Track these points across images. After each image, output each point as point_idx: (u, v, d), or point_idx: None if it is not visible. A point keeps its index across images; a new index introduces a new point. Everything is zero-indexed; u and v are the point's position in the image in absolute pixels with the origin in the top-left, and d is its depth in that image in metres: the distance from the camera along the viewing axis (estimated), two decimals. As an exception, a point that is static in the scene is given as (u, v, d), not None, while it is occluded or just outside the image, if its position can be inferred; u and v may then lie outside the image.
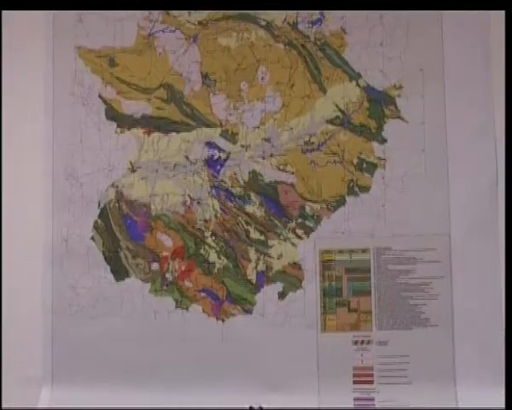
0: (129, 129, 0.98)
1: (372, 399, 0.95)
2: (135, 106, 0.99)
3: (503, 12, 0.92)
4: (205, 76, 0.98)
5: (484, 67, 0.95)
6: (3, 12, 0.99)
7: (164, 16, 0.99)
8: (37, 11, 0.99)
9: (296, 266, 0.96)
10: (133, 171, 0.98)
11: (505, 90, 0.92)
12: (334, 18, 0.97)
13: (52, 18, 1.00)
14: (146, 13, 0.99)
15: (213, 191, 0.97)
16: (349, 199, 0.96)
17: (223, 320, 0.97)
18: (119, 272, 0.98)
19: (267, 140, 0.97)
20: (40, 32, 1.00)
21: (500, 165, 0.94)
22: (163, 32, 0.99)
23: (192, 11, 0.98)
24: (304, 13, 0.97)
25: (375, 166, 0.96)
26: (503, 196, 0.93)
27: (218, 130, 0.98)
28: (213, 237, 0.97)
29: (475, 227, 0.94)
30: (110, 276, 0.98)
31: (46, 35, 1.00)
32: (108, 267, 0.98)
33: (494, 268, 0.93)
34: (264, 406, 0.94)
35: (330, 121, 0.97)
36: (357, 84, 0.97)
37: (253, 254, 0.96)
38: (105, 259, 0.98)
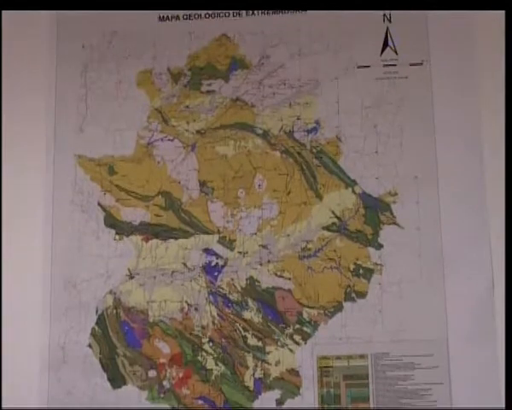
0: (127, 236, 1.04)
1: None
2: (133, 213, 1.04)
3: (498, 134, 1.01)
4: (202, 184, 1.04)
5: (478, 172, 1.01)
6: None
7: (162, 126, 1.06)
8: (38, 120, 1.06)
9: (294, 372, 1.00)
10: (131, 277, 1.03)
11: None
12: (330, 126, 1.04)
13: (54, 126, 1.06)
14: (145, 123, 1.06)
15: (211, 297, 1.02)
16: (346, 305, 1.01)
17: (220, 428, 1.00)
18: (116, 380, 1.01)
19: (264, 247, 1.02)
20: (41, 142, 1.06)
21: (496, 269, 0.99)
22: (162, 140, 1.06)
23: (190, 121, 1.05)
24: (300, 121, 1.04)
25: (371, 271, 1.01)
26: (500, 300, 0.98)
27: (216, 237, 1.03)
28: (211, 344, 1.01)
29: (473, 332, 0.98)
30: (107, 383, 1.01)
31: (47, 144, 1.06)
32: (105, 375, 1.01)
33: (493, 373, 0.97)
34: None
35: (327, 228, 1.02)
36: (353, 191, 1.03)
37: (250, 361, 1.00)
38: (102, 366, 1.02)
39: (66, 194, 1.05)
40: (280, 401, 1.00)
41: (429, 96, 1.04)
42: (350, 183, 1.03)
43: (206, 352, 1.01)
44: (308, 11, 1.06)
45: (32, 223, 1.05)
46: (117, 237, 1.04)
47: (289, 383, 1.00)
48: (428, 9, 1.05)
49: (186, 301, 1.02)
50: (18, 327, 1.03)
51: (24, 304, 1.03)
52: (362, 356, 1.00)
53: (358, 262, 1.01)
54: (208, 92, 1.06)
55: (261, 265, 1.02)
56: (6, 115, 1.07)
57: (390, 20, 1.06)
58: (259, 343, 1.01)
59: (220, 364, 1.01)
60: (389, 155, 1.03)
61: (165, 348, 1.02)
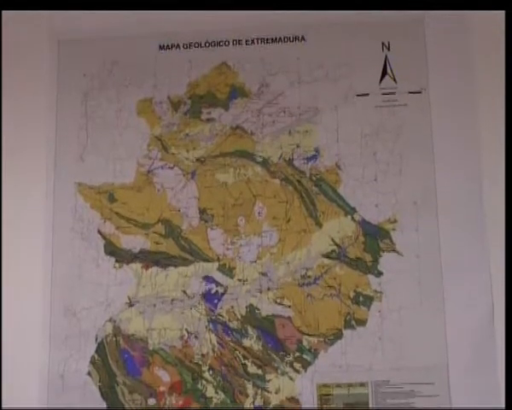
0: (127, 264, 1.05)
1: None
2: (133, 241, 1.05)
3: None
4: (202, 211, 1.05)
5: (478, 199, 1.03)
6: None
7: (162, 154, 1.07)
8: (39, 149, 1.08)
9: (294, 400, 1.01)
10: (131, 305, 1.04)
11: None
12: (329, 154, 1.05)
13: (54, 154, 1.08)
14: (145, 151, 1.07)
15: (211, 325, 1.03)
16: (346, 332, 1.01)
17: (219, 456, 1.00)
18: (116, 408, 1.02)
19: (264, 274, 1.03)
20: (41, 170, 1.07)
21: (496, 295, 1.00)
22: (162, 168, 1.07)
23: (190, 149, 1.07)
24: (299, 149, 1.05)
25: (371, 299, 1.02)
26: (500, 327, 0.98)
27: (216, 264, 1.04)
28: (211, 372, 1.02)
29: (473, 358, 0.99)
30: (106, 412, 1.02)
31: (47, 172, 1.07)
32: (105, 403, 1.02)
33: (493, 400, 0.98)
34: None
35: (326, 255, 1.03)
36: (353, 219, 1.04)
37: (250, 389, 1.01)
38: (101, 394, 1.02)
39: (67, 221, 1.06)
40: (280, 430, 1.00)
41: (428, 124, 1.05)
42: (349, 210, 1.04)
43: (206, 380, 1.01)
44: (308, 40, 1.08)
45: (33, 250, 1.06)
46: (117, 264, 1.05)
47: (289, 411, 1.00)
48: (426, 9, 1.07)
49: (186, 329, 1.03)
50: (17, 355, 1.04)
51: (24, 332, 1.04)
52: (362, 384, 1.00)
53: (358, 290, 1.02)
54: (208, 120, 1.08)
55: (261, 292, 1.03)
56: (7, 144, 1.09)
57: (389, 49, 1.07)
58: (259, 371, 1.01)
59: (220, 392, 1.01)
60: (388, 183, 1.04)
61: (164, 376, 1.02)
